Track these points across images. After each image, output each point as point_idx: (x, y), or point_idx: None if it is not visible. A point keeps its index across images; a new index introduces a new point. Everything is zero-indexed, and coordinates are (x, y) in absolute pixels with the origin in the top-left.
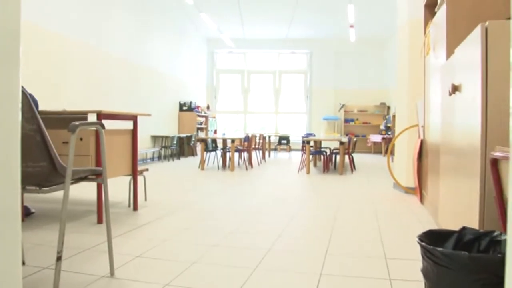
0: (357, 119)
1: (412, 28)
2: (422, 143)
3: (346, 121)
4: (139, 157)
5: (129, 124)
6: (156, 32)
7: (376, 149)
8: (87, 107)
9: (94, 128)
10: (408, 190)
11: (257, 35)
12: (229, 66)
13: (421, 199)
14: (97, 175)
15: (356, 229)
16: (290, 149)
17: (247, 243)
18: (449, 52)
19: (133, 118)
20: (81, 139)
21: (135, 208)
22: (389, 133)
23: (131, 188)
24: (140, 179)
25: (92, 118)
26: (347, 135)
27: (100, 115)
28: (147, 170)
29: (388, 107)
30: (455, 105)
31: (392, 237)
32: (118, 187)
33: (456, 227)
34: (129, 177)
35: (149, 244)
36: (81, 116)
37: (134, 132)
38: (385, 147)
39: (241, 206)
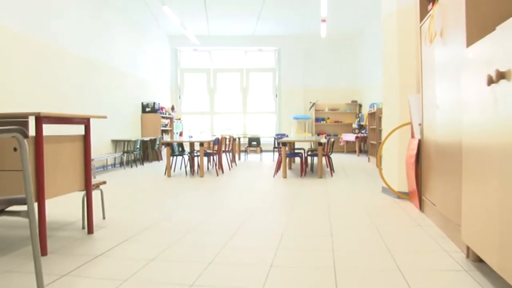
0: (328, 118)
1: (401, 16)
2: (419, 144)
3: (317, 120)
4: (98, 164)
5: (80, 129)
6: (115, 27)
7: (349, 148)
8: (36, 110)
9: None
10: (401, 195)
11: (222, 31)
12: (193, 65)
13: (420, 206)
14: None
15: (362, 251)
16: (261, 151)
17: (234, 280)
18: (472, 35)
19: (85, 122)
20: (15, 149)
21: (90, 230)
22: (363, 131)
23: (85, 206)
24: (96, 193)
25: (32, 122)
26: (318, 134)
27: (40, 119)
28: (104, 183)
29: (360, 105)
30: (498, 97)
31: (410, 263)
32: (71, 203)
33: (507, 253)
34: (83, 192)
35: (106, 287)
36: (18, 120)
37: (86, 138)
38: (359, 146)
39: (217, 224)
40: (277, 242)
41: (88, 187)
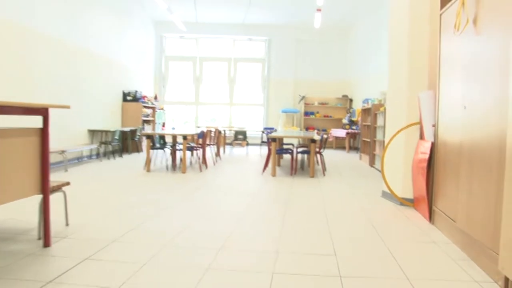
0: (317, 112)
1: (413, 3)
2: (432, 147)
3: (306, 114)
4: (72, 155)
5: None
6: (93, 8)
7: (338, 144)
8: (4, 99)
9: None
10: (406, 202)
11: (211, 18)
12: (179, 53)
13: (430, 217)
14: None
15: (375, 279)
16: (247, 144)
17: None
18: None
19: (43, 112)
20: None
21: (47, 243)
22: (354, 127)
23: (43, 214)
24: (59, 196)
25: None
26: (307, 129)
27: None
28: (67, 184)
29: (351, 100)
30: None
31: None
32: (30, 205)
33: None
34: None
35: None
36: None
37: (44, 131)
38: (349, 143)
39: (199, 235)
40: (272, 263)
41: (45, 191)
